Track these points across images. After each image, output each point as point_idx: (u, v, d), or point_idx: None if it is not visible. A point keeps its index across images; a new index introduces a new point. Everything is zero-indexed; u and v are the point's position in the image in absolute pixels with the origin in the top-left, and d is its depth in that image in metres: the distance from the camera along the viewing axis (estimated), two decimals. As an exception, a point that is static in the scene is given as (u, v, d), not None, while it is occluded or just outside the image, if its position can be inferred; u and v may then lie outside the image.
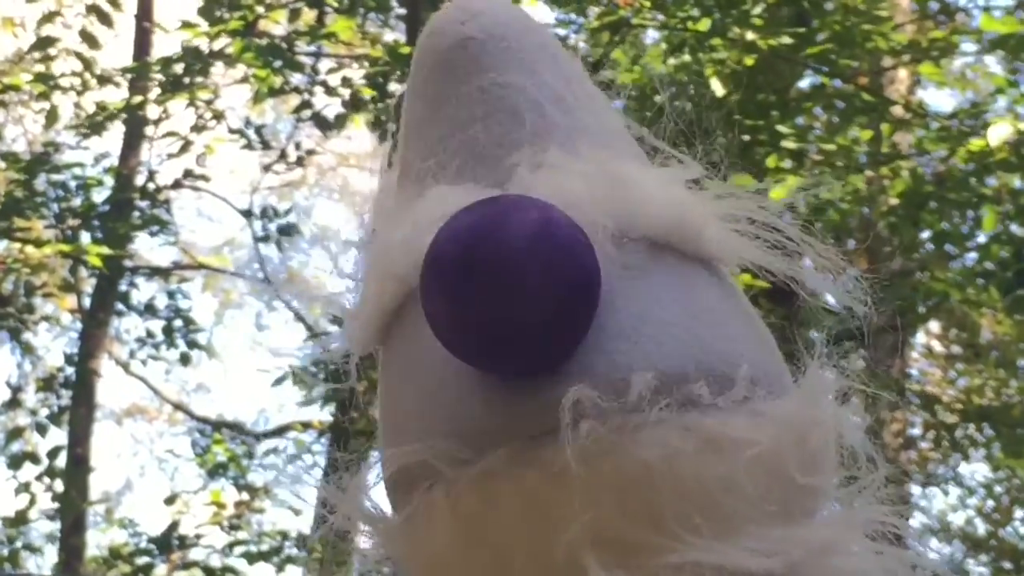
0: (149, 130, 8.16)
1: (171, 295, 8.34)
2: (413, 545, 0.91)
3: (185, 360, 8.16)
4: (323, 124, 7.33)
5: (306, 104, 7.40)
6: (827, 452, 0.90)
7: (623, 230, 0.92)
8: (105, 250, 7.15)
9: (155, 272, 8.66)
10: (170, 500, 8.12)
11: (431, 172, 0.98)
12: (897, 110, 7.12)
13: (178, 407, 9.91)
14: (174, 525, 7.84)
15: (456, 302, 0.84)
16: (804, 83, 7.32)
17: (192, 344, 8.14)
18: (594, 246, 0.87)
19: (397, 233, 0.96)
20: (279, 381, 7.16)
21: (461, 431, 0.88)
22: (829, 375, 0.92)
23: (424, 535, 0.89)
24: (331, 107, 7.39)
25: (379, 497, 0.95)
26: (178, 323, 8.17)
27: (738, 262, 0.98)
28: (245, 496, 8.17)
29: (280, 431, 8.71)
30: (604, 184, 0.93)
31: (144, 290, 8.54)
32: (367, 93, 6.97)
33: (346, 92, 7.19)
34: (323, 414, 8.09)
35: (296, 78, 7.41)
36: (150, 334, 8.23)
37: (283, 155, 8.31)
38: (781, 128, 6.44)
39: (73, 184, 7.80)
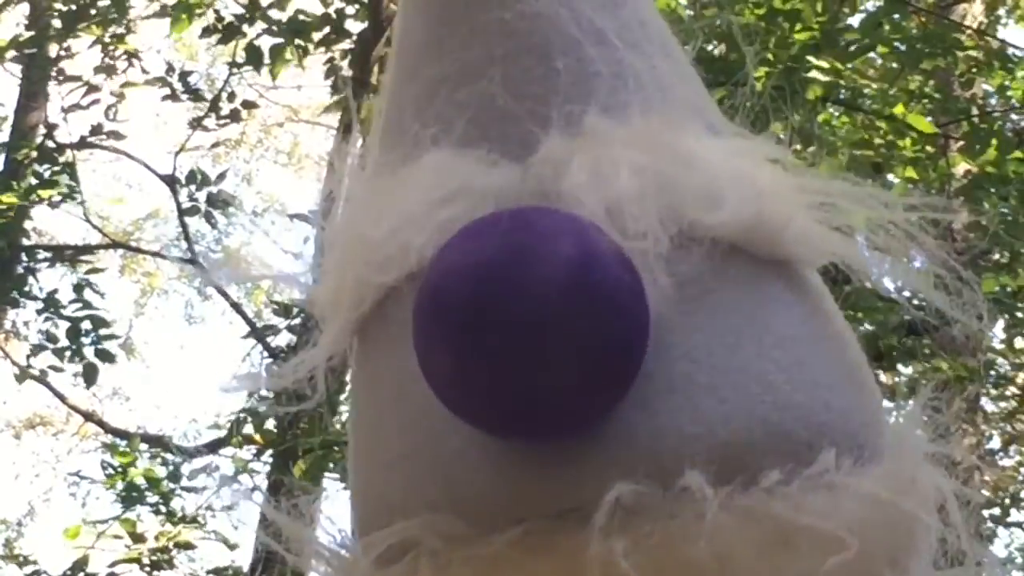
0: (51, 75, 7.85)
1: (78, 288, 7.88)
2: None
3: (90, 376, 7.71)
4: (257, 58, 6.91)
5: (235, 31, 6.98)
6: (923, 539, 0.86)
7: (682, 231, 0.86)
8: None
9: (59, 252, 8.31)
10: (72, 533, 7.77)
11: (429, 133, 0.92)
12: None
13: (89, 417, 9.54)
14: (81, 563, 7.57)
15: (461, 360, 0.79)
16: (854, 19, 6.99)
17: (103, 354, 7.69)
18: (643, 274, 0.82)
19: (384, 215, 0.90)
20: (236, 429, 7.04)
21: (457, 501, 0.83)
22: (927, 439, 0.90)
23: None
24: (266, 41, 7.07)
25: (341, 522, 0.93)
26: (87, 324, 7.73)
27: (825, 260, 0.93)
28: (168, 527, 7.86)
29: (213, 446, 8.34)
30: (660, 166, 0.88)
31: (46, 277, 8.23)
32: (312, 18, 6.55)
33: (284, 24, 6.88)
34: (265, 424, 7.69)
35: (229, 13, 7.11)
36: (51, 337, 7.77)
37: (215, 107, 7.90)
38: (820, 63, 6.07)
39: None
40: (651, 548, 0.80)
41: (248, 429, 7.37)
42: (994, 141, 6.27)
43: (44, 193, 7.38)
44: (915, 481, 0.87)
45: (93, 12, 7.02)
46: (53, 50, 7.50)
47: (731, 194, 0.88)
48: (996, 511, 7.36)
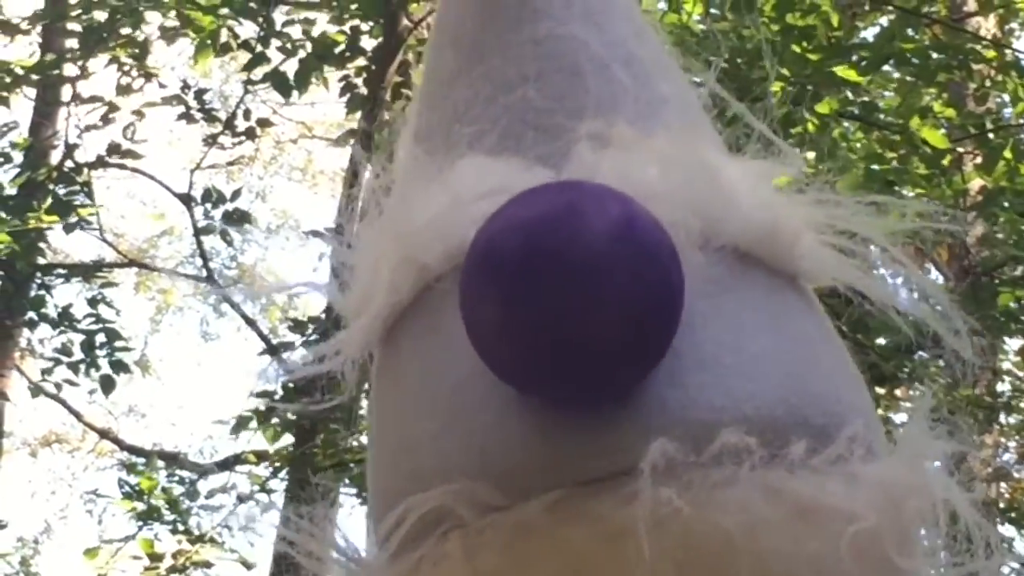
0: (66, 94, 7.93)
1: (92, 302, 7.94)
2: None
3: (107, 387, 7.76)
4: (281, 85, 6.99)
5: (259, 58, 7.03)
6: (929, 529, 0.89)
7: (706, 234, 0.90)
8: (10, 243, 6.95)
9: (74, 270, 8.36)
10: (91, 553, 7.78)
11: (465, 139, 0.96)
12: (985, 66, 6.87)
13: (104, 435, 9.56)
14: (98, 583, 7.56)
15: (511, 308, 0.80)
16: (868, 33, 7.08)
17: (117, 366, 7.75)
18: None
19: (422, 210, 0.92)
20: (241, 425, 6.98)
21: (493, 470, 0.84)
22: (934, 435, 0.92)
23: None
24: (290, 64, 7.14)
25: (356, 534, 0.94)
26: (101, 337, 7.77)
27: (829, 282, 0.97)
28: (186, 545, 7.85)
29: (229, 463, 8.37)
30: (686, 175, 0.91)
31: (60, 294, 8.30)
32: (337, 39, 6.62)
33: (307, 41, 6.97)
34: (281, 442, 7.79)
35: (246, 29, 7.16)
36: (65, 351, 7.82)
37: (230, 125, 7.97)
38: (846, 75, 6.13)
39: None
40: (682, 513, 0.82)
41: (258, 437, 7.39)
42: (1008, 154, 6.35)
43: (83, 212, 7.41)
44: (921, 470, 0.90)
45: (106, 35, 7.03)
46: (69, 70, 7.54)
47: (749, 204, 0.93)
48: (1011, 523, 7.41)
